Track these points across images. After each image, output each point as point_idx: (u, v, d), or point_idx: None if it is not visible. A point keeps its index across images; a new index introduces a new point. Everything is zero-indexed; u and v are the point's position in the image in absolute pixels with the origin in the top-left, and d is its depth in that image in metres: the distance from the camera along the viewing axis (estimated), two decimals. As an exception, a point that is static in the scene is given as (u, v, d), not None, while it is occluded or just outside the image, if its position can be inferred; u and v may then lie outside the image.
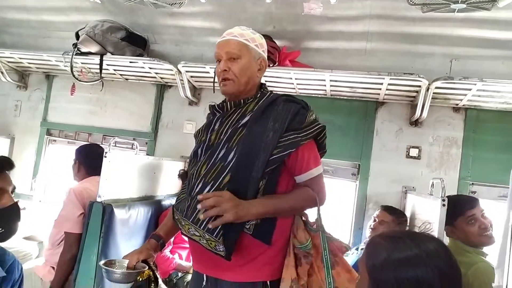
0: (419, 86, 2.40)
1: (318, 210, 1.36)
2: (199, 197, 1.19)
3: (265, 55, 1.46)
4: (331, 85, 2.68)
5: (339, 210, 2.97)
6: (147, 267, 1.36)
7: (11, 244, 1.31)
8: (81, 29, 2.84)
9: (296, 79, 2.67)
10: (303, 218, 1.41)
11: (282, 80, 2.76)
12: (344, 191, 2.95)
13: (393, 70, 2.40)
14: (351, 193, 2.89)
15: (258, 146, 1.26)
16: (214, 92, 2.78)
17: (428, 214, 2.01)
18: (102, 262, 1.33)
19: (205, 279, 1.36)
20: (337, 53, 2.78)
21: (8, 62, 3.37)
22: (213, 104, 1.50)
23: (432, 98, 2.43)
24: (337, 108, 2.90)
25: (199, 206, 1.18)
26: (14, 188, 1.19)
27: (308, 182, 1.36)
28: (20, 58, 3.23)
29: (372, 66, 2.65)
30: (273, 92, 1.48)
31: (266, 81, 2.78)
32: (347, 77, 2.52)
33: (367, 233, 2.48)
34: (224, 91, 1.43)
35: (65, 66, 2.99)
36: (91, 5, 2.81)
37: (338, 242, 1.38)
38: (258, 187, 1.26)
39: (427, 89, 2.37)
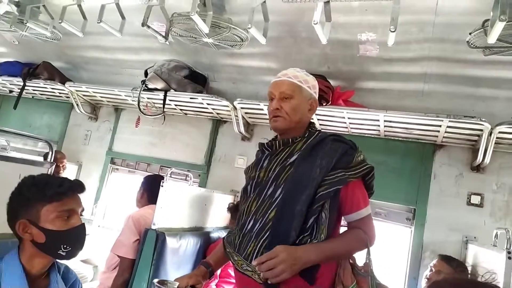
0: (481, 130, 2.29)
1: (369, 253, 1.33)
2: (254, 263, 1.21)
3: (316, 96, 1.50)
4: (385, 125, 2.64)
5: (392, 257, 2.82)
6: None
7: (70, 265, 1.39)
8: (150, 67, 3.11)
9: (349, 118, 2.67)
10: (351, 261, 1.38)
11: (334, 119, 2.77)
12: (397, 236, 2.81)
13: (452, 113, 2.32)
14: (405, 239, 2.74)
15: (305, 182, 1.29)
16: (271, 129, 2.88)
17: (492, 267, 1.85)
18: (155, 280, 1.39)
19: None
20: (392, 94, 2.75)
21: (84, 95, 3.74)
22: (263, 142, 1.55)
23: (495, 143, 2.31)
24: (391, 149, 2.83)
25: (257, 268, 1.19)
26: (83, 210, 1.28)
27: (358, 222, 1.34)
28: (94, 92, 3.58)
29: (429, 108, 2.58)
30: (322, 131, 1.50)
31: (318, 119, 2.81)
32: (402, 118, 2.48)
33: (422, 284, 2.32)
34: (274, 126, 1.47)
35: (133, 100, 3.26)
36: (161, 46, 3.07)
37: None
38: (303, 222, 1.25)
39: (490, 133, 2.26)
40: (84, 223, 1.26)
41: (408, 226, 2.73)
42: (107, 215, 3.71)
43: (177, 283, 1.41)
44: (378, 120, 2.58)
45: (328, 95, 2.64)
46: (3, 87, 4.12)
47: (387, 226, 2.82)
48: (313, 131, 1.47)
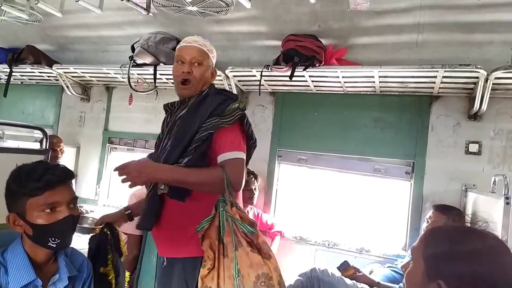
0: (477, 78, 2.26)
1: (229, 193, 1.37)
2: (113, 169, 1.40)
3: (212, 55, 1.64)
4: (380, 81, 2.60)
5: (393, 211, 2.87)
6: (102, 226, 1.63)
7: (78, 246, 1.42)
8: (136, 42, 3.03)
9: (343, 77, 2.63)
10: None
11: (328, 79, 2.73)
12: (398, 191, 2.85)
13: (447, 62, 2.28)
14: (405, 193, 2.78)
15: (186, 131, 1.46)
16: (260, 94, 2.85)
17: (490, 214, 1.89)
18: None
19: (165, 260, 1.57)
20: (386, 48, 2.70)
21: (73, 77, 3.67)
22: (167, 103, 1.69)
23: (492, 89, 2.28)
24: (388, 104, 2.81)
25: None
26: (74, 198, 1.22)
27: (223, 163, 1.43)
28: (83, 73, 3.51)
29: (424, 59, 2.53)
30: (212, 88, 1.61)
31: (313, 81, 2.78)
32: (397, 72, 2.44)
33: (424, 234, 2.37)
34: (182, 94, 1.60)
35: (122, 78, 3.20)
36: (144, 18, 2.97)
37: (237, 223, 1.34)
38: (177, 162, 1.44)
39: (486, 80, 2.23)
40: (70, 215, 1.19)
41: (407, 180, 2.76)
42: (111, 194, 3.75)
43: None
44: (373, 77, 2.55)
45: (320, 55, 2.59)
46: (-11, 75, 4.04)
47: (386, 182, 2.85)
48: (205, 89, 1.58)
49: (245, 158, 1.49)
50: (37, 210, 1.14)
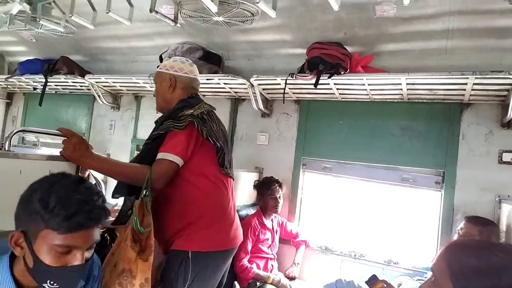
0: (510, 84, 2.17)
1: (147, 188, 1.49)
2: (60, 128, 1.48)
3: (179, 73, 1.78)
4: (408, 89, 2.55)
5: (423, 222, 2.79)
6: (103, 231, 1.65)
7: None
8: (164, 52, 3.11)
9: (369, 84, 2.60)
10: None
11: (354, 87, 2.70)
12: (427, 201, 2.77)
13: (478, 69, 2.20)
14: (435, 203, 2.69)
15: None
16: (284, 103, 2.85)
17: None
18: None
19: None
20: (413, 55, 2.64)
21: (104, 86, 3.80)
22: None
23: (527, 96, 2.19)
24: (416, 112, 2.75)
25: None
26: (98, 241, 1.06)
27: (157, 161, 1.56)
28: (113, 82, 3.63)
29: (454, 65, 2.46)
30: (190, 98, 1.76)
31: (338, 88, 2.76)
32: (426, 79, 2.38)
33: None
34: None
35: (151, 87, 3.29)
36: (172, 29, 3.05)
37: (135, 222, 1.45)
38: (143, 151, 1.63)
39: (521, 87, 2.14)
40: (83, 264, 0.99)
41: (437, 190, 2.67)
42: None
43: None
44: (400, 84, 2.50)
45: (345, 63, 2.57)
46: (27, 85, 4.24)
47: (415, 192, 2.77)
48: (180, 103, 1.72)
49: (177, 161, 1.57)
50: (49, 246, 0.95)
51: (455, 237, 2.23)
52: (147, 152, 1.62)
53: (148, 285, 1.42)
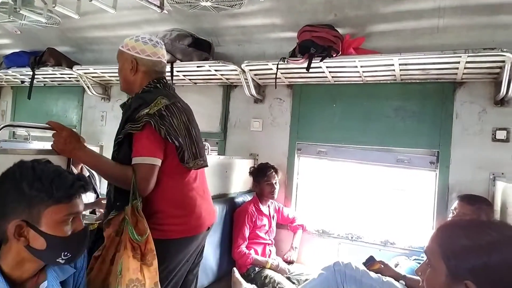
0: (503, 62, 2.16)
1: (134, 194, 1.47)
2: (49, 121, 1.47)
3: (142, 56, 1.69)
4: (400, 69, 2.53)
5: (418, 202, 2.81)
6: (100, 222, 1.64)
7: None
8: (152, 40, 3.04)
9: (361, 66, 2.57)
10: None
11: (346, 69, 2.68)
12: (422, 181, 2.78)
13: (471, 47, 2.19)
14: (430, 183, 2.70)
15: (117, 135, 1.61)
16: (276, 87, 2.82)
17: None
18: None
19: None
20: (405, 35, 2.61)
21: (93, 77, 3.73)
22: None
23: (520, 73, 2.18)
24: (409, 93, 2.74)
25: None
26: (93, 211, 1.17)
27: (134, 167, 1.52)
28: (102, 73, 3.56)
29: (446, 44, 2.44)
30: (146, 88, 1.68)
31: (330, 71, 2.73)
32: (418, 59, 2.36)
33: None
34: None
35: (140, 76, 3.22)
36: (160, 16, 2.98)
37: (129, 228, 1.43)
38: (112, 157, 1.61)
39: (513, 64, 2.12)
40: (86, 226, 1.12)
41: (432, 170, 2.68)
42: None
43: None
44: (392, 65, 2.47)
45: (337, 45, 2.54)
46: (14, 78, 4.15)
47: (410, 173, 2.78)
48: (144, 88, 1.68)
49: (157, 162, 1.53)
50: (59, 220, 1.01)
51: (450, 216, 2.25)
52: (123, 157, 1.57)
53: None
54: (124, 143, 1.56)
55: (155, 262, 1.44)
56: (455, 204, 2.22)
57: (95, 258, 1.46)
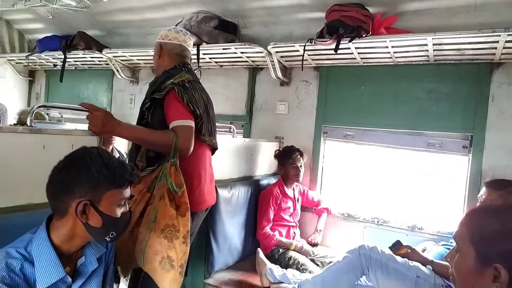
0: (547, 40, 2.03)
1: (174, 152, 1.58)
2: (82, 103, 1.53)
3: (165, 40, 1.87)
4: (434, 49, 2.42)
5: (449, 187, 2.72)
6: None
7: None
8: (179, 22, 3.05)
9: (392, 47, 2.48)
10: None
11: (376, 50, 2.59)
12: (454, 166, 2.69)
13: (511, 25, 2.05)
14: (462, 168, 2.61)
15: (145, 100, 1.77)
16: (302, 70, 2.77)
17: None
18: None
19: None
20: (440, 13, 2.49)
21: (122, 60, 3.80)
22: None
23: None
24: (443, 74, 2.63)
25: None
26: (132, 197, 1.27)
27: (174, 129, 1.63)
28: (130, 56, 3.62)
29: (484, 22, 2.31)
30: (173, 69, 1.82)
31: (359, 53, 2.66)
32: (453, 39, 2.25)
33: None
34: None
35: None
36: (186, -2, 2.98)
37: (167, 182, 1.57)
38: (141, 120, 1.74)
39: (558, 42, 1.99)
40: (130, 210, 1.26)
41: (465, 154, 2.59)
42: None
43: None
44: (426, 45, 2.37)
45: (367, 25, 2.45)
46: (47, 62, 4.29)
47: (442, 157, 2.70)
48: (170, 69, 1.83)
49: (192, 124, 1.67)
50: (114, 202, 1.15)
51: (477, 204, 2.16)
52: (152, 125, 1.71)
53: (189, 236, 1.56)
54: (157, 113, 1.69)
55: (188, 214, 1.58)
56: (481, 191, 2.12)
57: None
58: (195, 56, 3.11)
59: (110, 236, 1.17)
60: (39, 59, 4.18)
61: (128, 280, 1.78)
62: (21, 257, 1.07)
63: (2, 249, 1.09)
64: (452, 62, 2.59)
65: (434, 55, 2.52)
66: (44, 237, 1.11)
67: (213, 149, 1.96)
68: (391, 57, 2.66)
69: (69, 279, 1.15)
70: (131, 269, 1.71)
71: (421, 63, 2.68)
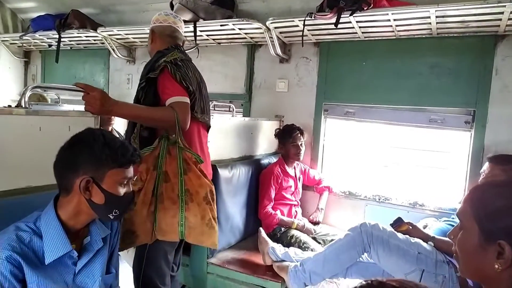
0: (554, 10, 1.96)
1: (178, 128, 1.61)
2: (74, 83, 1.48)
3: (156, 24, 1.92)
4: (437, 22, 2.35)
5: (450, 163, 2.71)
6: None
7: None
8: (174, -2, 2.96)
9: (394, 20, 2.41)
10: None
11: (378, 23, 2.52)
12: (456, 142, 2.67)
13: (518, -6, 1.99)
14: (464, 143, 2.59)
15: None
16: (303, 46, 2.70)
17: None
18: None
19: None
20: (444, -16, 2.41)
21: (117, 39, 3.71)
22: None
23: None
24: (446, 48, 2.57)
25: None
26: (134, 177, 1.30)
27: (171, 105, 1.65)
28: (126, 34, 3.53)
29: (489, -8, 2.24)
30: (166, 49, 1.83)
31: (360, 26, 2.59)
32: (457, 10, 2.18)
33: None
34: None
35: (163, 37, 3.17)
36: (181, -28, 2.88)
37: (189, 152, 1.65)
38: (137, 100, 1.74)
39: None
40: (134, 191, 1.29)
41: (467, 130, 2.56)
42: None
43: None
44: (429, 17, 2.30)
45: (369, -3, 2.37)
46: (42, 42, 4.20)
47: (443, 133, 2.67)
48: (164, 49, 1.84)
49: (187, 100, 1.69)
50: (117, 181, 1.19)
51: (480, 179, 2.14)
52: (148, 95, 1.73)
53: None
54: (149, 92, 1.71)
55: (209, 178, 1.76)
56: (484, 166, 2.10)
57: (137, 192, 1.59)
58: (192, 34, 3.04)
59: (114, 214, 1.22)
60: (33, 39, 4.08)
61: (134, 256, 1.82)
62: (31, 230, 1.13)
63: (13, 224, 1.15)
64: (455, 35, 2.52)
65: (437, 28, 2.45)
66: (52, 213, 1.17)
67: (208, 127, 1.98)
68: (393, 31, 2.59)
69: (75, 253, 1.20)
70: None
71: (423, 36, 2.61)
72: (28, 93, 1.46)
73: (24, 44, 4.45)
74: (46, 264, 1.12)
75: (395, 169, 2.95)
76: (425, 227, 2.30)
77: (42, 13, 3.94)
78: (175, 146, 1.63)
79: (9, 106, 2.29)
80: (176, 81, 1.69)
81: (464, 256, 0.93)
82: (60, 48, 3.79)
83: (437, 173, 2.80)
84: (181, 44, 1.94)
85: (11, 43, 4.49)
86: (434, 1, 2.21)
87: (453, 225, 2.15)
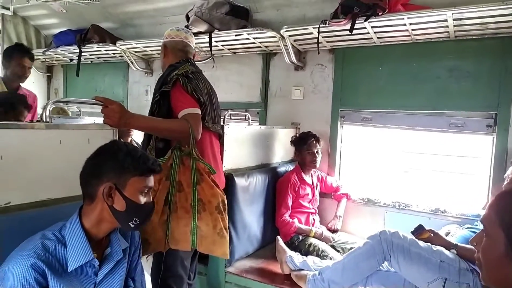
0: None
1: (192, 138, 1.67)
2: (93, 96, 1.53)
3: (169, 39, 2.00)
4: (454, 25, 2.31)
5: (472, 168, 2.64)
6: None
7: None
8: (190, 10, 3.01)
9: (410, 24, 2.38)
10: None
11: (394, 28, 2.49)
12: (477, 146, 2.60)
13: (538, -6, 1.94)
14: (486, 148, 2.51)
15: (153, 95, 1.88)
16: (319, 53, 2.70)
17: None
18: None
19: None
20: (460, -14, 2.37)
21: (136, 52, 3.80)
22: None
23: None
24: (464, 50, 2.52)
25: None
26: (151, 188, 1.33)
27: (184, 117, 1.72)
28: (144, 47, 3.61)
29: (508, -7, 2.18)
30: (178, 63, 1.92)
31: (375, 32, 2.57)
32: (475, 12, 2.13)
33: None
34: None
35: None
36: (196, -15, 2.93)
37: (203, 163, 1.69)
38: (152, 113, 1.81)
39: None
40: (154, 201, 1.33)
41: (489, 133, 2.49)
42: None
43: None
44: (446, 20, 2.27)
45: (383, 3, 2.35)
46: (63, 57, 4.34)
47: (464, 138, 2.60)
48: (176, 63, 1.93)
49: (199, 112, 1.77)
50: (139, 189, 1.23)
51: (504, 184, 2.07)
52: (162, 109, 1.80)
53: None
54: (163, 105, 1.78)
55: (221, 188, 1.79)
56: (508, 170, 2.04)
57: None
58: (208, 44, 3.08)
59: (134, 222, 1.25)
60: (56, 54, 4.22)
61: (152, 263, 1.87)
62: (56, 239, 1.18)
63: (40, 232, 1.20)
64: (473, 37, 2.47)
65: (455, 31, 2.41)
66: (77, 221, 1.22)
67: (219, 136, 2.06)
68: (409, 35, 2.56)
69: (97, 262, 1.23)
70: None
71: (441, 40, 2.57)
72: (49, 108, 1.50)
73: (47, 59, 4.61)
74: (69, 271, 1.16)
75: (415, 175, 2.89)
76: (447, 234, 2.24)
77: (64, 29, 4.08)
78: (189, 156, 1.67)
79: (31, 120, 2.36)
80: (188, 93, 1.76)
81: (488, 264, 0.90)
82: (81, 62, 3.91)
83: (459, 178, 2.73)
84: (192, 58, 2.03)
85: (35, 59, 4.65)
86: (451, 4, 2.18)
87: (476, 232, 2.08)
